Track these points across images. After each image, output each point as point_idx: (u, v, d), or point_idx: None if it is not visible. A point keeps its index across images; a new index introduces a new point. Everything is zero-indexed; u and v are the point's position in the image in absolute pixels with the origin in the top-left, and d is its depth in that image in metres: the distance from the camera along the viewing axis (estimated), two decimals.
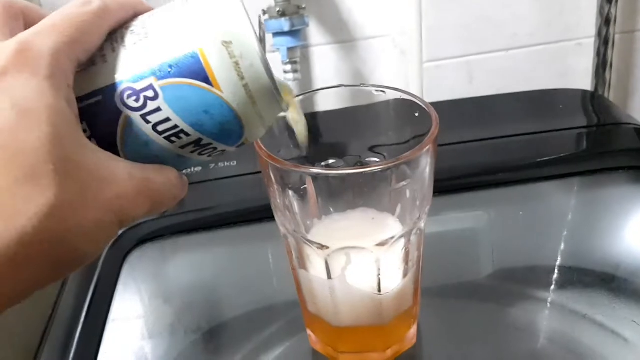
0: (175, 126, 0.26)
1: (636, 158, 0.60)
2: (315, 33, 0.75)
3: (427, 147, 0.33)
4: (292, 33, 0.70)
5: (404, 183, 0.34)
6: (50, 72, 0.23)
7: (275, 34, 0.70)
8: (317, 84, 0.79)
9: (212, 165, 0.64)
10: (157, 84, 0.25)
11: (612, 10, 0.70)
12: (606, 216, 0.57)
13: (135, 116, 0.26)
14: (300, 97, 0.40)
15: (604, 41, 0.72)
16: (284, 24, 0.69)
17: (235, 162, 0.65)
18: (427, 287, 0.44)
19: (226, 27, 0.25)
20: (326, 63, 0.77)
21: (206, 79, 0.25)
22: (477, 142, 0.64)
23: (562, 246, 0.54)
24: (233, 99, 0.26)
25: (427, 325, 0.46)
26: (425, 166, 0.34)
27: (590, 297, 0.48)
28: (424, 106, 0.36)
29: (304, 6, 0.72)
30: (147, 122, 0.26)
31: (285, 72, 0.72)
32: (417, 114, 0.37)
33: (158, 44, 0.25)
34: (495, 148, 0.63)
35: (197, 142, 0.27)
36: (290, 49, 0.71)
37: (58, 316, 0.53)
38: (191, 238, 0.57)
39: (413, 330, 0.43)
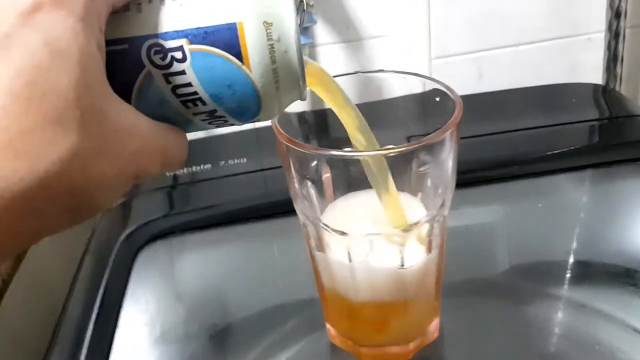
0: (195, 93, 0.25)
1: None
2: (322, 32, 0.75)
3: (450, 131, 0.33)
4: (300, 30, 0.70)
5: (426, 167, 0.34)
6: (85, 13, 0.22)
7: None
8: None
9: (222, 163, 0.64)
10: (187, 47, 0.25)
11: (622, 4, 0.69)
12: (622, 208, 0.56)
13: (158, 74, 0.25)
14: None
15: (614, 35, 0.71)
16: None
17: (245, 159, 0.64)
18: (444, 282, 0.44)
19: (271, 7, 0.25)
20: (333, 62, 0.77)
21: (238, 54, 0.25)
22: (489, 135, 0.63)
23: (579, 240, 0.53)
24: (259, 79, 0.25)
25: (447, 320, 0.45)
26: (449, 151, 0.34)
27: (609, 293, 0.47)
28: (446, 91, 0.36)
29: (311, 3, 0.71)
30: (168, 82, 0.25)
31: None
32: (438, 99, 0.36)
33: (199, 7, 0.25)
34: (508, 141, 0.62)
35: (211, 113, 0.26)
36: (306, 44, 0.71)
37: (68, 315, 0.52)
38: (202, 235, 0.57)
39: (435, 322, 0.42)
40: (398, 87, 0.43)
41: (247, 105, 0.26)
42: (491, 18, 0.74)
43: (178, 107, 0.26)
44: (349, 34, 0.76)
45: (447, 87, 0.36)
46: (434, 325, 0.42)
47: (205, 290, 0.53)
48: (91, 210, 0.23)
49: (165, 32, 0.25)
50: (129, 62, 0.25)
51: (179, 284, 0.55)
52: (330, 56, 0.76)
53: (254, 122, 0.28)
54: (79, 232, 0.72)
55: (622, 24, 0.71)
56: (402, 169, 0.35)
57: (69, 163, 0.21)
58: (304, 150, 0.33)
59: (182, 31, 0.25)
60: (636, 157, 0.59)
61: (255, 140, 0.70)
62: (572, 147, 0.61)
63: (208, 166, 0.63)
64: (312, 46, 0.75)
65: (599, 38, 0.75)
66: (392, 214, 0.35)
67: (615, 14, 0.70)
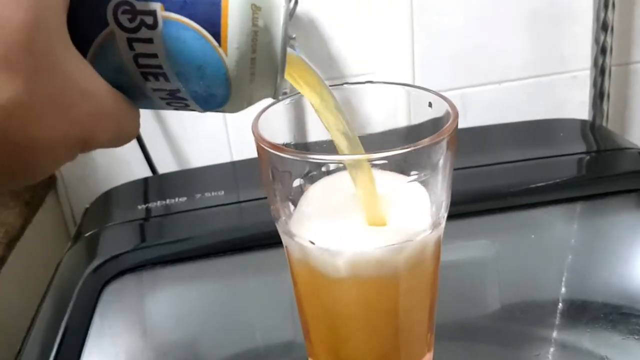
0: (159, 66, 0.23)
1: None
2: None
3: (444, 138, 0.30)
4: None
5: (416, 174, 0.31)
6: None
7: None
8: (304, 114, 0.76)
9: (198, 195, 0.61)
10: (161, 14, 0.22)
11: (608, 39, 0.69)
12: (612, 241, 0.54)
13: (122, 36, 0.22)
14: (289, 100, 0.36)
15: (600, 71, 0.70)
16: None
17: (222, 192, 0.61)
18: None
19: None
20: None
21: (217, 34, 0.22)
22: (476, 168, 0.61)
23: (568, 276, 0.51)
24: (234, 66, 0.23)
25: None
26: (443, 161, 0.31)
27: (600, 334, 0.44)
28: (441, 99, 0.33)
29: (294, 36, 0.70)
30: (132, 48, 0.22)
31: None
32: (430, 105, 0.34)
33: None
34: (495, 174, 0.61)
35: (173, 93, 0.24)
36: None
37: (25, 355, 0.48)
38: (175, 269, 0.53)
39: (428, 357, 0.39)
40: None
41: (215, 92, 0.24)
42: (476, 55, 0.74)
43: (137, 78, 0.23)
44: (332, 71, 0.75)
45: (441, 95, 0.34)
46: None
47: (176, 329, 0.50)
48: (27, 174, 0.21)
49: None
50: (91, 17, 0.22)
51: (147, 322, 0.51)
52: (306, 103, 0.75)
53: (217, 111, 0.26)
54: (45, 262, 0.68)
55: (607, 60, 0.70)
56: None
57: (9, 113, 0.18)
58: (283, 155, 0.31)
59: None
60: (627, 189, 0.57)
61: (232, 173, 0.67)
62: (561, 180, 0.59)
63: (183, 199, 0.60)
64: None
65: (585, 75, 0.74)
66: (371, 215, 0.32)
67: (601, 50, 0.70)
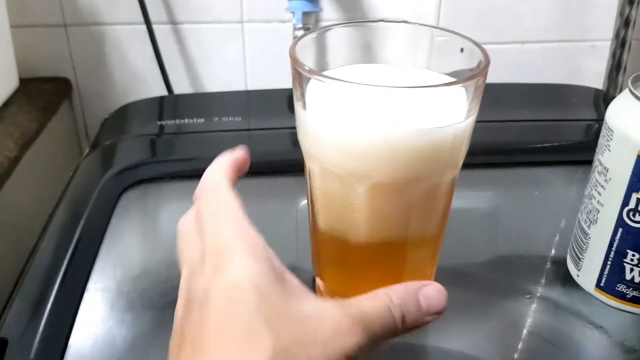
0: None
1: None
2: (329, 9, 0.74)
3: (478, 79, 0.31)
4: None
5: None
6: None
7: None
8: (328, 56, 0.77)
9: (216, 118, 0.62)
10: None
11: (633, 12, 0.69)
12: None
13: None
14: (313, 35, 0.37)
15: (620, 43, 0.71)
16: None
17: (240, 118, 0.62)
18: None
19: None
20: (337, 37, 0.76)
21: None
22: (486, 122, 0.62)
23: (562, 235, 0.52)
24: None
25: None
26: (473, 104, 0.32)
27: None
28: (473, 44, 0.34)
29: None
30: None
31: (297, 37, 0.70)
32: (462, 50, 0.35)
33: None
34: (505, 130, 0.62)
35: None
36: (305, 14, 0.70)
37: (39, 255, 0.49)
38: (190, 184, 0.54)
39: None
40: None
41: None
42: (501, 13, 0.74)
43: None
44: (355, 13, 0.75)
45: (471, 40, 0.34)
46: None
47: None
48: None
49: None
50: None
51: (161, 230, 0.52)
52: (333, 37, 0.75)
53: None
54: (56, 169, 0.70)
55: (629, 33, 0.71)
56: None
57: None
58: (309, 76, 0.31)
59: None
60: None
61: (248, 101, 0.68)
62: (568, 143, 0.61)
63: (201, 120, 0.61)
64: (319, 20, 0.74)
65: (604, 46, 0.75)
66: None
67: (625, 22, 0.70)
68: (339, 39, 0.39)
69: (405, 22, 0.39)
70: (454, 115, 0.31)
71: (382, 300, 0.27)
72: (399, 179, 0.31)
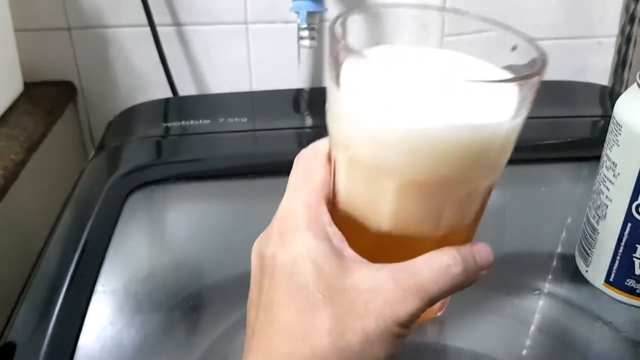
0: None
1: None
2: (333, 9, 0.74)
3: (539, 76, 0.28)
4: None
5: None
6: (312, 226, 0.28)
7: None
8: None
9: (222, 119, 0.62)
10: None
11: (638, 8, 0.69)
12: None
13: None
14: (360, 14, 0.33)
15: (626, 39, 0.71)
16: None
17: (245, 119, 0.62)
18: None
19: None
20: (388, 17, 0.76)
21: None
22: None
23: (572, 229, 0.52)
24: None
25: None
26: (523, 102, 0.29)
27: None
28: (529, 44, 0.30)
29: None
30: None
31: (302, 37, 0.70)
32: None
33: None
34: None
35: None
36: (310, 14, 0.70)
37: (47, 257, 0.49)
38: (196, 185, 0.55)
39: None
40: None
41: None
42: (507, 10, 0.74)
43: None
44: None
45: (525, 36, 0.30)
46: None
47: (194, 241, 0.51)
48: None
49: None
50: None
51: (167, 232, 0.53)
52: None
53: None
54: (62, 171, 0.70)
55: (634, 29, 0.71)
56: None
57: (328, 334, 0.25)
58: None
59: None
60: None
61: (252, 102, 0.68)
62: (574, 139, 0.61)
63: (207, 121, 0.61)
64: (324, 20, 0.74)
65: (609, 42, 0.75)
66: None
67: (630, 18, 0.70)
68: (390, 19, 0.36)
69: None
70: (504, 114, 0.29)
71: (442, 259, 0.28)
72: (439, 179, 0.29)
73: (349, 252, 0.28)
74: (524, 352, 0.41)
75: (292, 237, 0.28)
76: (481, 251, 0.30)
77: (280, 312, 0.27)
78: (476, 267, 0.29)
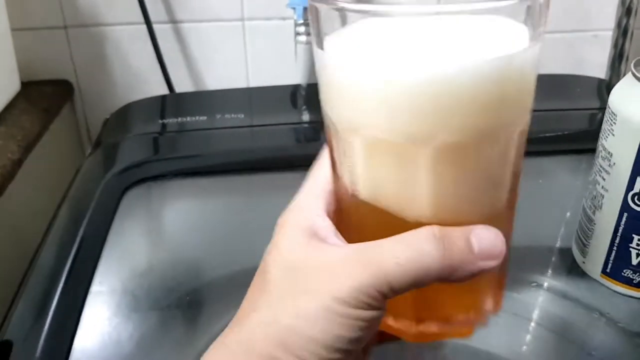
0: None
1: None
2: None
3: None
4: None
5: None
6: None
7: None
8: None
9: (218, 116, 0.62)
10: None
11: (635, 1, 0.69)
12: None
13: None
14: None
15: (622, 32, 0.71)
16: None
17: (242, 115, 0.62)
18: None
19: None
20: None
21: None
22: None
23: (570, 221, 0.52)
24: None
25: None
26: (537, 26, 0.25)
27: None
28: None
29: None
30: None
31: (298, 33, 0.70)
32: None
33: None
34: None
35: None
36: (306, 10, 0.70)
37: (44, 253, 0.49)
38: (193, 181, 0.55)
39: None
40: None
41: None
42: None
43: None
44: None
45: None
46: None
47: (191, 236, 0.51)
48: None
49: None
50: None
51: (164, 227, 0.53)
52: None
53: None
54: (59, 170, 0.70)
55: (631, 22, 0.70)
56: None
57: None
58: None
59: None
60: None
61: (249, 98, 0.68)
62: (572, 132, 0.61)
63: (204, 117, 0.61)
64: None
65: (606, 36, 0.74)
66: None
67: (626, 10, 0.70)
68: None
69: None
70: (516, 43, 0.25)
71: (415, 236, 0.24)
72: (471, 132, 0.24)
73: (333, 240, 0.26)
74: (522, 344, 0.41)
75: (278, 229, 0.27)
76: (483, 236, 0.24)
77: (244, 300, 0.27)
78: (468, 253, 0.24)
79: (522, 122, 0.27)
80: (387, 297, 0.23)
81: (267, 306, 0.24)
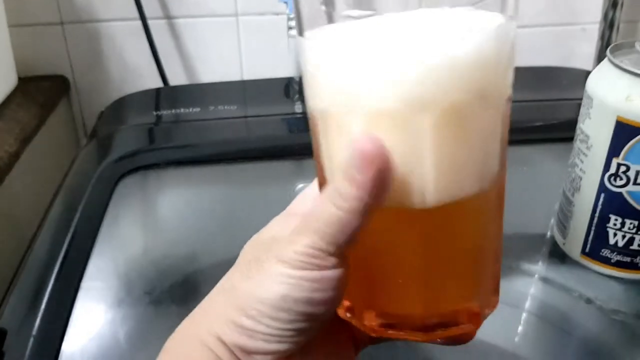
0: None
1: None
2: None
3: None
4: None
5: None
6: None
7: None
8: None
9: (212, 107, 0.63)
10: None
11: None
12: None
13: None
14: None
15: (609, 25, 0.72)
16: None
17: (235, 107, 0.64)
18: None
19: None
20: None
21: None
22: None
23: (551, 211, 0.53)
24: None
25: None
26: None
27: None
28: None
29: None
30: None
31: (291, 27, 0.71)
32: None
33: None
34: None
35: None
36: None
37: (41, 238, 0.50)
38: (186, 170, 0.56)
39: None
40: None
41: None
42: None
43: None
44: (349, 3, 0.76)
45: None
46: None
47: (184, 224, 0.52)
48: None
49: None
50: None
51: (158, 215, 0.54)
52: None
53: None
54: (56, 163, 0.71)
55: (617, 14, 0.72)
56: None
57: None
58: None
59: None
60: None
61: (243, 91, 0.69)
62: (557, 121, 0.62)
63: (197, 109, 0.62)
64: None
65: (593, 29, 0.76)
66: None
67: (612, 3, 0.71)
68: None
69: None
70: (494, 20, 0.26)
71: (324, 195, 0.25)
72: (464, 97, 0.25)
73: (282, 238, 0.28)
74: (505, 326, 0.42)
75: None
76: (356, 156, 0.23)
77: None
78: (354, 177, 0.23)
79: (507, 87, 0.28)
80: (331, 254, 0.25)
81: (228, 276, 0.27)
